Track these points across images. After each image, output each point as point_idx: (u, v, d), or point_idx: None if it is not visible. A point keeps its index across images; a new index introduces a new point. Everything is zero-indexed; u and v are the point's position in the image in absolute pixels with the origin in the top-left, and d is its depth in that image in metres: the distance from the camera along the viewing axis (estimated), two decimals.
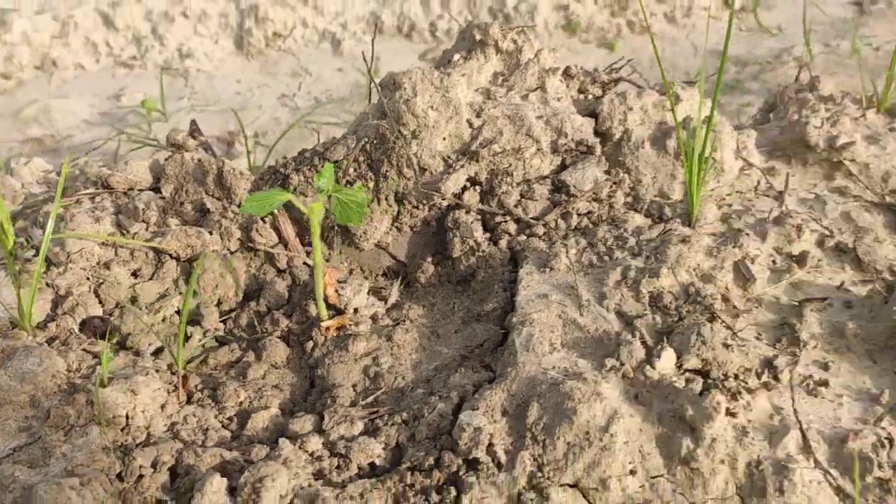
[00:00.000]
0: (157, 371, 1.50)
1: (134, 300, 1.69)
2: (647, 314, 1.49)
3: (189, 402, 1.50)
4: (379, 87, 1.85)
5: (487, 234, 1.75)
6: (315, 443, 1.36)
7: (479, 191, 1.78)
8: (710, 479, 1.26)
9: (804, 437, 1.31)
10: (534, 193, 1.76)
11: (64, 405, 1.34)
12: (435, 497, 1.27)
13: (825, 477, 1.27)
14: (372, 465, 1.35)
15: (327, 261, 1.81)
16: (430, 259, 1.79)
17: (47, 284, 1.65)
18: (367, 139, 1.83)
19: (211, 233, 1.79)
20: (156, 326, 1.64)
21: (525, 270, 1.63)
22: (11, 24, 4.04)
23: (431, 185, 1.77)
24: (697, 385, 1.34)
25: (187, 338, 1.65)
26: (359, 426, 1.40)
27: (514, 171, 1.77)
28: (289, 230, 1.81)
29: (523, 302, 1.55)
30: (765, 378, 1.40)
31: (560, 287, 1.58)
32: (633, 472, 1.28)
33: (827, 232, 1.71)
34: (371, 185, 1.81)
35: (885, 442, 1.30)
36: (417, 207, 1.80)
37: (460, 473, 1.29)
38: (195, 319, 1.70)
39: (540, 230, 1.71)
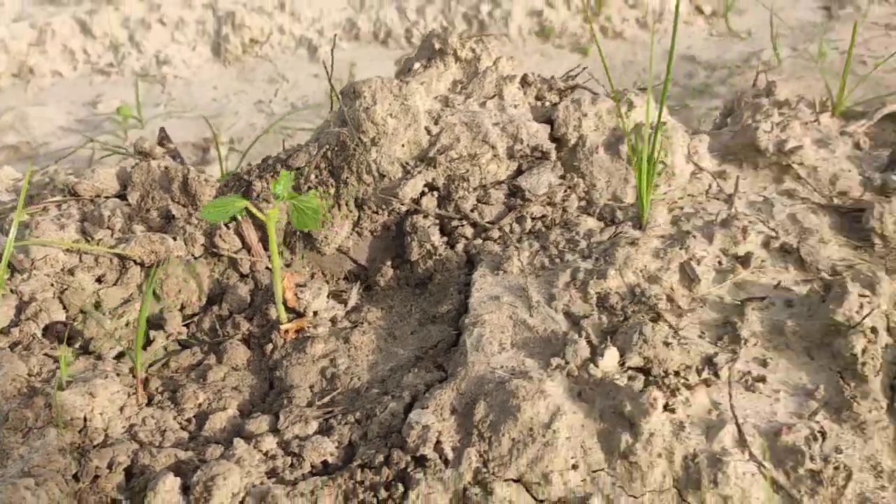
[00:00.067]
0: (117, 374, 1.54)
1: (98, 305, 1.72)
2: (593, 314, 1.54)
3: (149, 404, 1.54)
4: (340, 96, 1.89)
5: (445, 238, 1.80)
6: (269, 442, 1.40)
7: (436, 196, 1.83)
8: (648, 473, 1.31)
9: (740, 430, 1.36)
10: (490, 198, 1.81)
11: (22, 408, 1.37)
12: (383, 493, 1.31)
13: (759, 469, 1.32)
14: (325, 463, 1.39)
15: (288, 265, 1.85)
16: (389, 263, 1.83)
17: (11, 291, 1.69)
18: (328, 146, 1.87)
19: (175, 239, 1.82)
20: (119, 331, 1.68)
21: (479, 273, 1.68)
22: None
23: (390, 191, 1.81)
24: (638, 382, 1.39)
25: (150, 342, 1.69)
26: (313, 426, 1.44)
27: (470, 176, 1.82)
28: (252, 236, 1.85)
29: (476, 304, 1.60)
30: (705, 375, 1.45)
31: (512, 289, 1.63)
32: (574, 467, 1.33)
33: (773, 233, 1.76)
34: (332, 191, 1.85)
35: (818, 435, 1.35)
36: (377, 212, 1.84)
37: (408, 470, 1.33)
38: (158, 324, 1.74)
39: (495, 234, 1.76)
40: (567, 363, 1.44)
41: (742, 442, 1.35)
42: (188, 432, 1.48)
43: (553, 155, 1.87)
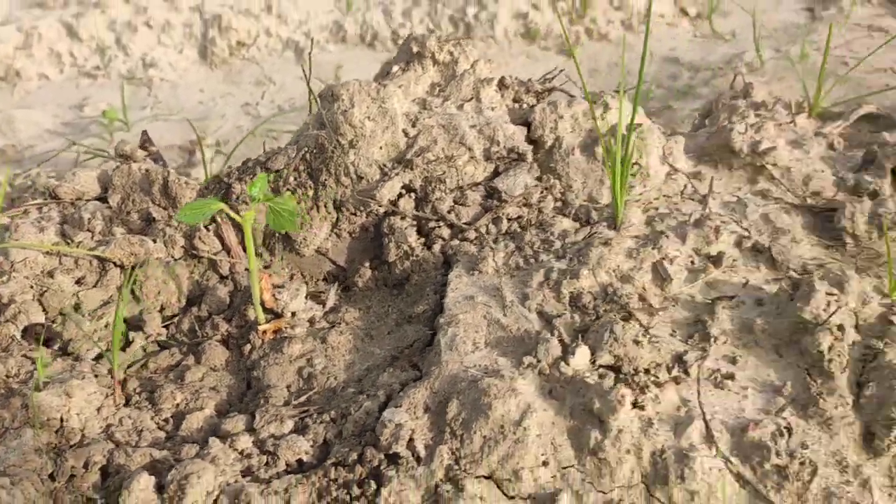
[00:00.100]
0: (95, 375, 1.55)
1: (77, 307, 1.73)
2: (566, 314, 1.56)
3: (127, 404, 1.55)
4: (318, 99, 1.91)
5: (422, 239, 1.82)
6: (245, 441, 1.42)
7: (414, 197, 1.85)
8: (617, 469, 1.33)
9: (707, 427, 1.38)
10: (467, 199, 1.83)
11: None
12: (356, 490, 1.33)
13: (726, 465, 1.35)
14: (300, 461, 1.41)
15: (268, 267, 1.87)
16: (367, 264, 1.85)
17: None
18: (307, 149, 1.89)
19: (155, 241, 1.84)
20: (97, 333, 1.69)
21: (454, 273, 1.70)
22: None
23: (367, 193, 1.83)
24: (609, 380, 1.42)
25: (129, 343, 1.70)
26: (289, 425, 1.46)
27: (447, 178, 1.84)
28: (231, 237, 1.87)
29: (451, 304, 1.62)
30: (675, 372, 1.47)
31: (487, 289, 1.65)
32: (545, 464, 1.35)
33: (745, 233, 1.79)
34: (310, 193, 1.87)
35: (784, 431, 1.38)
36: (355, 214, 1.86)
37: (381, 468, 1.35)
38: (138, 325, 1.75)
39: (471, 235, 1.78)
40: (539, 362, 1.46)
41: (709, 438, 1.37)
42: (165, 432, 1.50)
43: (529, 156, 1.89)
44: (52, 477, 1.32)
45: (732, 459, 1.35)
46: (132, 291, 1.77)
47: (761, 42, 4.14)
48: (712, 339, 1.54)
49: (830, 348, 1.45)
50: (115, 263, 1.80)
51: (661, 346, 1.51)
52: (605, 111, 1.94)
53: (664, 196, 1.94)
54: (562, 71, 2.16)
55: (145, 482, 1.29)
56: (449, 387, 1.45)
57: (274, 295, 1.70)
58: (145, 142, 2.28)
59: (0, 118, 3.82)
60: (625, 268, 1.64)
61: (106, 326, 1.72)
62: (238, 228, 1.90)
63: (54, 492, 1.29)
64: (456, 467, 1.34)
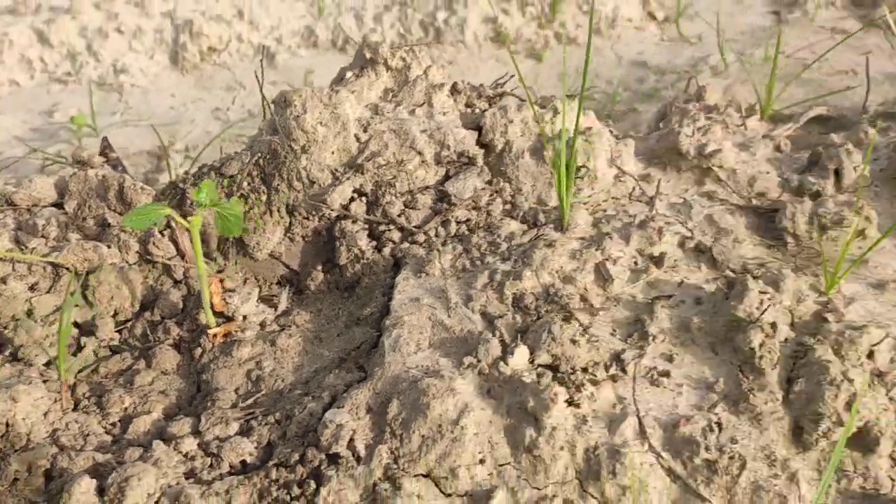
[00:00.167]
0: (45, 381, 1.57)
1: (30, 313, 1.75)
2: (507, 314, 1.60)
3: (75, 409, 1.57)
4: (272, 105, 1.94)
5: (373, 243, 1.85)
6: (189, 444, 1.44)
7: (365, 201, 1.87)
8: (552, 465, 1.37)
9: (640, 423, 1.42)
10: (417, 203, 1.86)
11: None
12: (296, 490, 1.35)
13: (657, 460, 1.38)
14: (244, 462, 1.44)
15: (221, 271, 1.89)
16: (320, 267, 1.88)
17: None
18: (260, 154, 1.92)
19: (109, 246, 1.86)
20: (49, 338, 1.71)
21: (402, 276, 1.73)
22: None
23: (319, 197, 1.86)
24: (546, 379, 1.45)
25: (81, 348, 1.72)
26: (234, 427, 1.49)
27: (397, 182, 1.87)
28: (185, 242, 1.89)
29: (397, 306, 1.65)
30: (612, 371, 1.51)
31: (432, 291, 1.68)
32: (482, 461, 1.38)
33: (689, 234, 1.83)
34: (264, 197, 1.89)
35: (715, 426, 1.42)
36: (308, 218, 1.89)
37: (322, 468, 1.38)
38: (91, 330, 1.77)
39: (421, 238, 1.81)
40: (479, 362, 1.49)
41: (642, 434, 1.41)
42: (112, 436, 1.52)
43: (480, 160, 1.93)
44: None
45: (664, 455, 1.39)
46: (85, 297, 1.79)
47: (727, 45, 4.20)
48: (650, 338, 1.58)
49: (761, 345, 1.49)
50: (68, 269, 1.82)
51: (601, 345, 1.54)
52: (555, 116, 1.98)
53: (613, 198, 1.98)
54: (512, 76, 2.19)
55: (86, 485, 1.31)
56: (391, 387, 1.48)
57: (224, 299, 1.73)
58: (105, 148, 2.29)
59: None
60: (568, 269, 1.68)
61: (58, 332, 1.73)
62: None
63: None
64: (394, 466, 1.37)
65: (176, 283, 1.87)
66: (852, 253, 1.81)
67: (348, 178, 1.85)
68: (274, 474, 1.38)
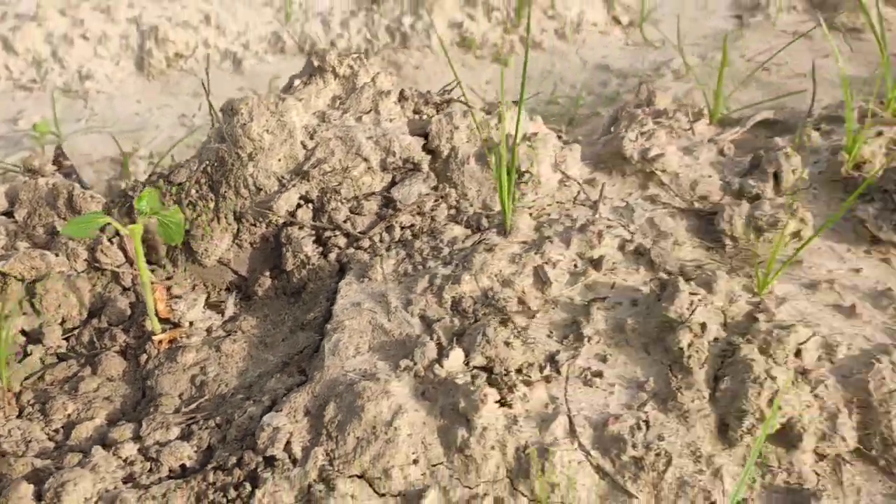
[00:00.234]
0: None
1: None
2: (445, 318, 1.63)
3: (19, 416, 1.59)
4: (219, 113, 1.96)
5: (320, 248, 1.87)
6: (129, 449, 1.46)
7: (311, 208, 1.90)
8: (483, 465, 1.40)
9: (571, 422, 1.46)
10: (363, 209, 1.89)
11: None
12: (233, 493, 1.38)
13: (586, 457, 1.42)
14: (183, 466, 1.46)
15: (170, 278, 1.91)
16: (267, 273, 1.90)
17: None
18: (208, 162, 1.94)
19: (57, 254, 1.87)
20: None
21: (345, 281, 1.76)
22: None
23: (265, 204, 1.88)
24: (480, 380, 1.48)
25: (27, 355, 1.74)
26: (175, 431, 1.51)
27: (343, 188, 1.90)
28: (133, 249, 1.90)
29: (339, 310, 1.68)
30: (547, 371, 1.54)
31: (374, 295, 1.71)
32: (415, 462, 1.41)
33: (629, 237, 1.87)
34: (211, 205, 1.92)
35: (643, 424, 1.46)
36: (255, 225, 1.91)
37: (258, 470, 1.40)
38: (38, 338, 1.78)
39: (366, 243, 1.84)
40: (415, 364, 1.52)
41: (572, 433, 1.45)
42: (55, 442, 1.53)
43: (425, 166, 1.96)
44: None
45: (593, 452, 1.43)
46: (33, 305, 1.80)
47: (690, 49, 4.27)
48: (586, 339, 1.61)
49: (690, 345, 1.54)
50: (15, 278, 1.83)
51: (536, 346, 1.58)
52: (501, 122, 2.01)
53: (557, 202, 2.02)
54: (459, 83, 2.23)
55: (24, 490, 1.33)
56: (328, 390, 1.50)
57: (170, 305, 1.75)
58: (59, 156, 2.31)
59: None
60: (507, 272, 1.72)
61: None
62: (143, 241, 1.93)
63: None
64: (329, 467, 1.40)
65: (124, 290, 1.89)
66: (788, 254, 1.86)
67: (294, 185, 1.88)
68: (211, 477, 1.40)
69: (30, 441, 1.51)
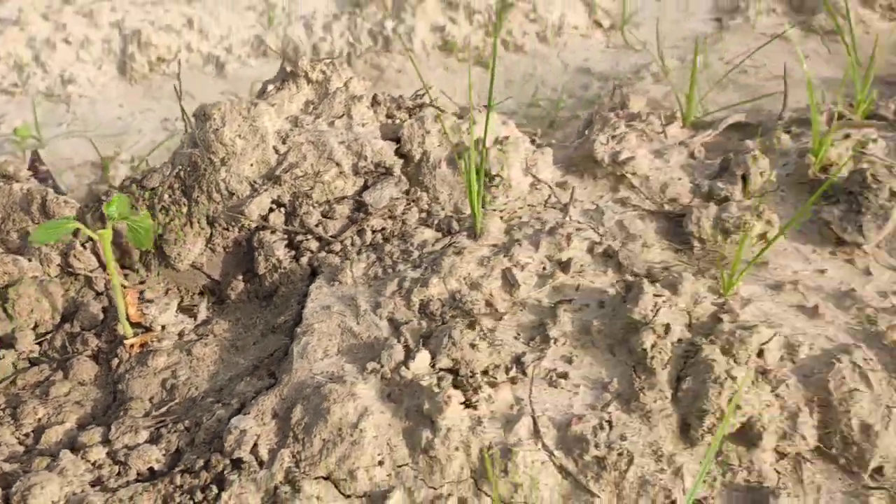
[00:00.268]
0: None
1: None
2: (413, 321, 1.65)
3: None
4: (191, 118, 1.97)
5: (292, 252, 1.89)
6: (98, 452, 1.47)
7: (283, 212, 1.92)
8: (447, 465, 1.42)
9: (535, 423, 1.48)
10: (335, 213, 1.91)
11: None
12: (199, 496, 1.39)
13: (550, 457, 1.44)
14: (151, 470, 1.47)
15: (143, 282, 1.93)
16: (240, 277, 1.92)
17: None
18: (181, 167, 1.95)
19: (30, 259, 1.88)
20: None
21: (315, 285, 1.77)
22: None
23: (237, 209, 1.90)
24: (446, 382, 1.50)
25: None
26: (143, 435, 1.52)
27: (315, 192, 1.91)
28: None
29: (308, 313, 1.70)
30: (513, 373, 1.56)
31: (344, 299, 1.73)
32: (380, 463, 1.43)
33: (598, 239, 1.90)
34: (184, 209, 1.93)
35: (606, 425, 1.48)
36: (228, 229, 1.93)
37: (225, 473, 1.42)
38: (10, 343, 1.79)
39: (337, 247, 1.86)
40: (382, 367, 1.54)
41: (536, 433, 1.47)
42: (24, 446, 1.55)
43: (397, 170, 1.98)
44: None
45: (556, 452, 1.45)
46: (5, 310, 1.81)
47: (670, 52, 4.31)
48: (552, 341, 1.64)
49: (653, 346, 1.56)
50: None
51: (503, 348, 1.60)
52: (472, 126, 2.03)
53: (529, 206, 2.04)
54: (430, 88, 2.25)
55: None
56: (296, 393, 1.52)
57: (141, 310, 1.76)
58: (35, 161, 2.31)
59: None
60: (475, 275, 1.74)
61: None
62: (115, 245, 1.95)
63: None
64: (295, 469, 1.41)
65: (97, 294, 1.90)
66: (755, 256, 1.89)
67: (266, 190, 1.90)
68: (178, 480, 1.41)
69: None
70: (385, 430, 1.45)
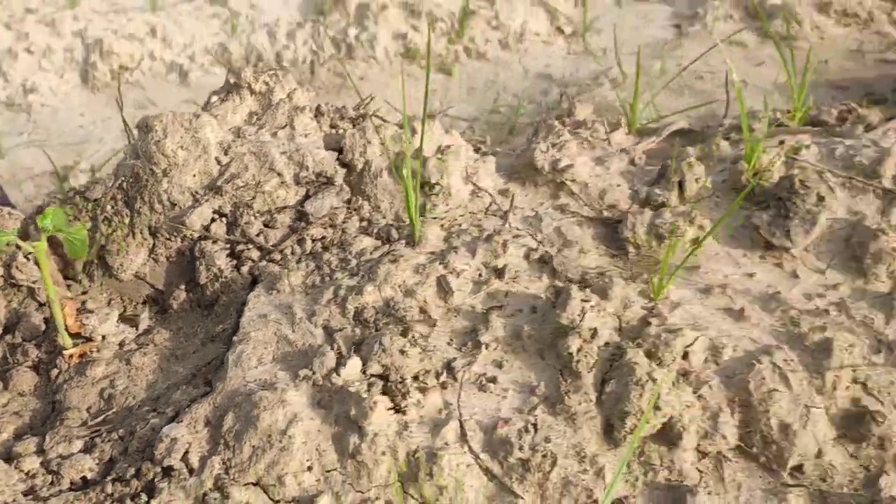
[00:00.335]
0: None
1: None
2: (347, 328, 1.68)
3: None
4: (133, 129, 2.00)
5: (234, 262, 1.92)
6: (31, 462, 1.49)
7: (225, 222, 1.94)
8: (374, 469, 1.45)
9: (462, 427, 1.51)
10: (276, 222, 1.94)
11: None
12: None
13: (475, 460, 1.48)
14: (84, 479, 1.49)
15: (85, 293, 1.94)
16: (183, 286, 1.94)
17: None
18: (124, 178, 1.97)
19: None
20: None
21: (254, 294, 1.80)
22: None
23: (178, 219, 1.92)
24: (377, 388, 1.54)
25: None
26: (78, 444, 1.54)
27: (255, 202, 1.94)
28: (51, 265, 1.93)
29: (245, 322, 1.73)
30: (443, 378, 1.60)
31: (281, 307, 1.76)
32: (309, 468, 1.46)
33: (535, 245, 1.94)
34: (127, 220, 1.95)
35: (531, 427, 1.52)
36: (171, 239, 1.95)
37: (155, 481, 1.44)
38: None
39: (278, 256, 1.89)
40: (314, 373, 1.57)
41: (463, 437, 1.50)
42: None
43: (339, 180, 2.01)
44: None
45: (482, 455, 1.49)
46: None
47: (629, 58, 4.37)
48: (483, 346, 1.67)
49: (579, 350, 1.60)
50: None
51: (434, 354, 1.64)
52: (414, 135, 2.07)
53: (470, 213, 2.08)
54: (373, 97, 2.29)
55: None
56: (228, 401, 1.55)
57: (81, 320, 1.78)
58: None
59: None
60: (410, 283, 1.77)
61: None
62: (60, 256, 1.97)
63: None
64: (225, 476, 1.44)
65: (40, 305, 1.92)
66: (689, 261, 1.94)
67: (208, 200, 1.92)
68: (110, 489, 1.44)
69: None
70: (314, 436, 1.49)
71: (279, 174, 1.97)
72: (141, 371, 1.73)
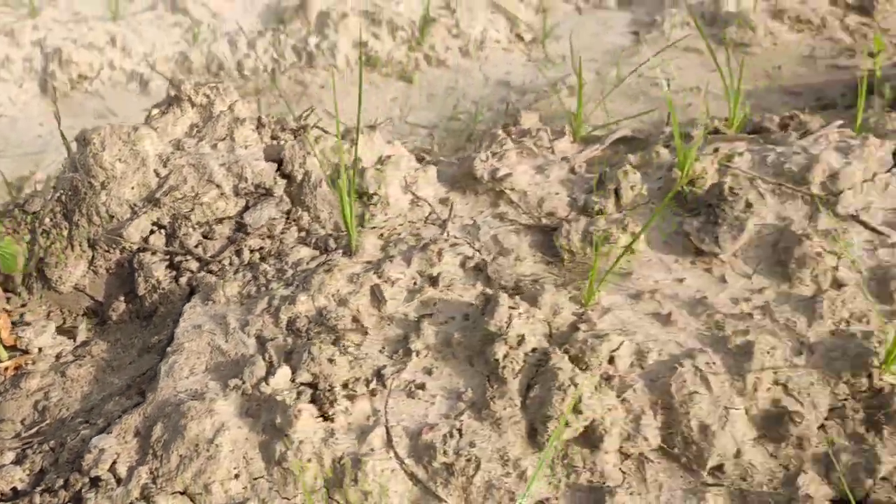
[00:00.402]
0: None
1: None
2: (279, 337, 1.71)
3: None
4: (69, 142, 2.01)
5: (173, 273, 1.94)
6: None
7: (164, 233, 1.97)
8: (300, 476, 1.48)
9: (388, 433, 1.55)
10: (215, 233, 1.96)
11: None
12: None
13: (400, 466, 1.51)
14: (14, 489, 1.51)
15: (24, 305, 1.96)
16: (122, 298, 1.96)
17: None
18: (62, 191, 1.99)
19: None
20: None
21: (190, 304, 1.83)
22: None
23: (115, 231, 1.94)
24: (304, 396, 1.56)
25: None
26: (9, 456, 1.56)
27: (194, 214, 1.97)
28: None
29: (180, 333, 1.75)
30: (373, 385, 1.63)
31: (215, 318, 1.78)
32: (237, 476, 1.49)
33: (471, 254, 1.98)
34: (65, 232, 1.97)
35: (456, 433, 1.55)
36: (110, 251, 1.97)
37: (83, 491, 1.46)
38: None
39: (216, 267, 1.91)
40: (244, 383, 1.60)
41: (389, 443, 1.54)
42: None
43: (278, 191, 2.04)
44: None
45: (407, 461, 1.52)
46: None
47: (588, 64, 4.43)
48: (414, 354, 1.71)
49: (505, 356, 1.64)
50: None
51: (365, 361, 1.67)
52: (353, 145, 2.11)
53: (409, 222, 2.12)
54: (313, 109, 2.32)
55: None
56: (158, 411, 1.57)
57: (16, 333, 1.79)
58: None
59: None
60: (344, 292, 1.80)
61: None
62: None
63: None
64: (152, 485, 1.46)
65: None
66: (622, 267, 1.99)
67: (146, 212, 1.94)
68: (38, 499, 1.45)
69: None
70: (242, 445, 1.51)
71: (218, 186, 2.00)
72: (76, 383, 1.75)
